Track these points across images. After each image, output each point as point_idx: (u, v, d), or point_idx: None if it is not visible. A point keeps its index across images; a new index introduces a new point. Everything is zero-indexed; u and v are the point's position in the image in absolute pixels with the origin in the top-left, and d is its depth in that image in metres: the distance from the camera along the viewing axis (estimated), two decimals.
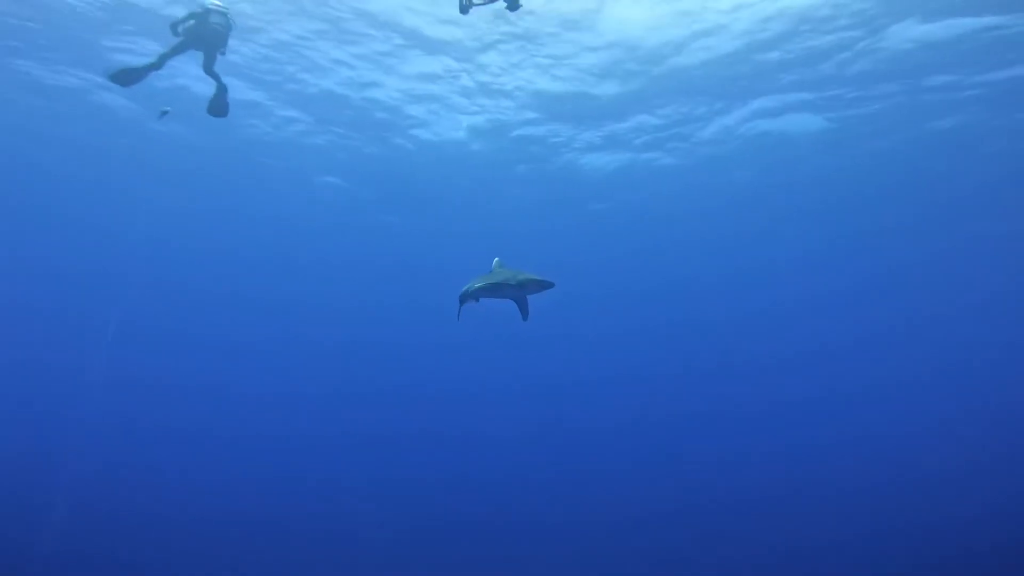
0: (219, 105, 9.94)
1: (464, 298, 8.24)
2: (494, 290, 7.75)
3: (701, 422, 30.09)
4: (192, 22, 9.20)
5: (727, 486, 23.49)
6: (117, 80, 9.98)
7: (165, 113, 17.75)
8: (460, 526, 20.85)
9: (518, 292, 7.63)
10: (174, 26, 9.28)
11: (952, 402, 27.92)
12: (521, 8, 8.65)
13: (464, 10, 8.50)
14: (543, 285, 7.35)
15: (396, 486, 24.31)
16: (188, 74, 16.24)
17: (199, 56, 9.64)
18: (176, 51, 9.44)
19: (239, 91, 16.88)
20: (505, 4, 8.48)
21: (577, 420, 30.47)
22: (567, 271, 8.80)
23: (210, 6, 9.17)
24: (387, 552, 18.81)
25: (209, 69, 9.66)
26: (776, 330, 33.41)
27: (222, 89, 9.91)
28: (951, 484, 20.48)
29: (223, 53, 9.67)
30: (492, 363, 33.65)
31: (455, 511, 22.26)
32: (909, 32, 14.56)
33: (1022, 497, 17.98)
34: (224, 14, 9.30)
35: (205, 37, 9.33)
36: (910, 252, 28.67)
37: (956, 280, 29.96)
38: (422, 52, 15.61)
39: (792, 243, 29.01)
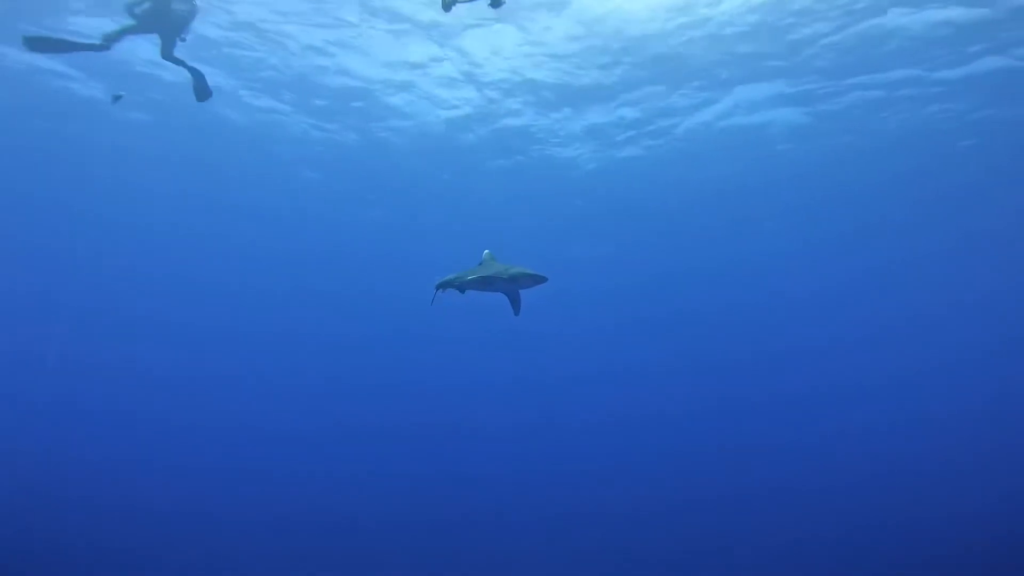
0: (201, 89, 9.53)
1: (446, 286, 8.12)
2: (485, 283, 7.58)
3: (690, 419, 30.36)
4: (149, 4, 8.52)
5: (720, 483, 23.61)
6: (31, 45, 9.39)
7: (118, 98, 16.95)
8: (455, 522, 20.69)
9: (510, 286, 7.49)
10: (130, 6, 8.60)
11: (940, 399, 28.45)
12: (504, 5, 8.54)
13: (447, 7, 8.39)
14: (536, 280, 7.18)
15: (390, 481, 24.24)
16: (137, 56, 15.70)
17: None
18: (127, 32, 8.81)
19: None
20: (488, 1, 8.36)
21: (566, 416, 30.57)
22: (549, 265, 8.64)
23: None
24: (382, 548, 18.67)
25: (168, 55, 9.05)
26: (766, 327, 33.73)
27: (196, 73, 9.43)
28: (942, 481, 20.80)
29: (183, 39, 9.07)
30: (481, 358, 33.71)
31: (451, 506, 22.11)
32: (893, 22, 14.55)
33: (1014, 496, 18.26)
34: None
35: (164, 22, 8.71)
36: (897, 249, 29.03)
37: (942, 278, 30.45)
38: (402, 36, 15.20)
39: (776, 239, 29.19)
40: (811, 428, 27.63)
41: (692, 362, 33.79)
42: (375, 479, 24.54)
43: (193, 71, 9.40)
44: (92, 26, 14.10)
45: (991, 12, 14.08)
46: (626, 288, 33.46)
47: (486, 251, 8.02)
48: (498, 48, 15.69)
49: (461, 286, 7.96)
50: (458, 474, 25.46)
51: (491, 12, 9.12)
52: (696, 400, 31.37)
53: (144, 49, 15.40)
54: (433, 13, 14.09)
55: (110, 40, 8.84)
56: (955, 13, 14.17)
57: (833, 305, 32.96)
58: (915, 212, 25.94)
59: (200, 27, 14.30)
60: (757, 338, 33.41)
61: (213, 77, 16.50)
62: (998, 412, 26.43)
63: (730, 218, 27.19)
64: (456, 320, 28.39)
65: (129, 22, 8.68)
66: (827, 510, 20.19)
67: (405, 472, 25.17)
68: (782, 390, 31.13)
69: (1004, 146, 20.32)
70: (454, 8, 8.42)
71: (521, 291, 7.67)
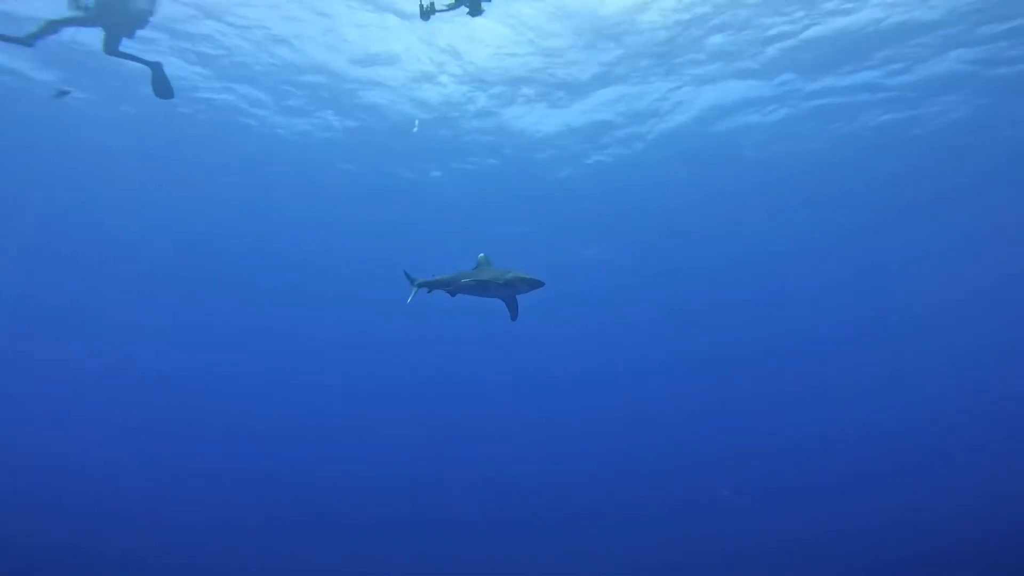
0: (161, 86, 8.81)
1: (433, 287, 7.93)
2: (480, 288, 7.32)
3: (668, 419, 30.58)
4: None
5: (715, 482, 23.58)
6: None
7: (64, 94, 16.00)
8: (455, 522, 20.43)
9: (506, 292, 7.25)
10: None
11: (926, 397, 28.94)
12: (484, 13, 8.36)
13: (425, 16, 8.19)
14: (533, 284, 6.98)
15: (387, 481, 24.05)
16: None
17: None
18: (65, 26, 7.98)
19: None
20: (467, 9, 8.25)
21: (548, 417, 30.59)
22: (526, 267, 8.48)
23: None
24: (380, 547, 18.40)
25: (112, 50, 8.23)
26: (748, 326, 34.02)
27: (155, 68, 8.70)
28: (932, 479, 21.06)
29: (131, 36, 8.28)
30: (467, 360, 33.64)
31: (450, 507, 21.88)
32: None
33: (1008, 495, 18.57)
34: None
35: (117, 17, 7.89)
36: (877, 251, 29.42)
37: (925, 277, 30.90)
38: (374, 29, 14.73)
39: (753, 240, 29.45)
40: (800, 426, 27.89)
41: (670, 362, 34.15)
42: (373, 479, 24.41)
43: (152, 66, 8.65)
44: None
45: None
46: (607, 290, 33.52)
47: (481, 254, 7.73)
48: (471, 46, 15.34)
49: (453, 290, 7.70)
50: (456, 474, 25.41)
51: (470, 19, 8.95)
52: (667, 399, 31.60)
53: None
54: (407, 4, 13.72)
55: (40, 35, 7.94)
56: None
57: (814, 305, 33.42)
58: (895, 214, 26.38)
59: (165, 21, 13.71)
60: (740, 337, 33.76)
61: (180, 69, 15.99)
62: (987, 409, 26.99)
63: (707, 219, 27.37)
64: (440, 319, 28.27)
65: (69, 14, 7.81)
66: (824, 508, 20.27)
67: (403, 472, 25.08)
68: (768, 389, 31.48)
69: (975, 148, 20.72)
70: (433, 17, 8.23)
71: (518, 296, 7.39)
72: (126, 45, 8.38)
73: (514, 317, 7.63)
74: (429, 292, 8.05)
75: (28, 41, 8.14)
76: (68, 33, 8.94)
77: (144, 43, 10.77)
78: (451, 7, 8.16)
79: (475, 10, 8.23)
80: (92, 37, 8.84)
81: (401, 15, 14.03)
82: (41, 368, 29.01)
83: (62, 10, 7.96)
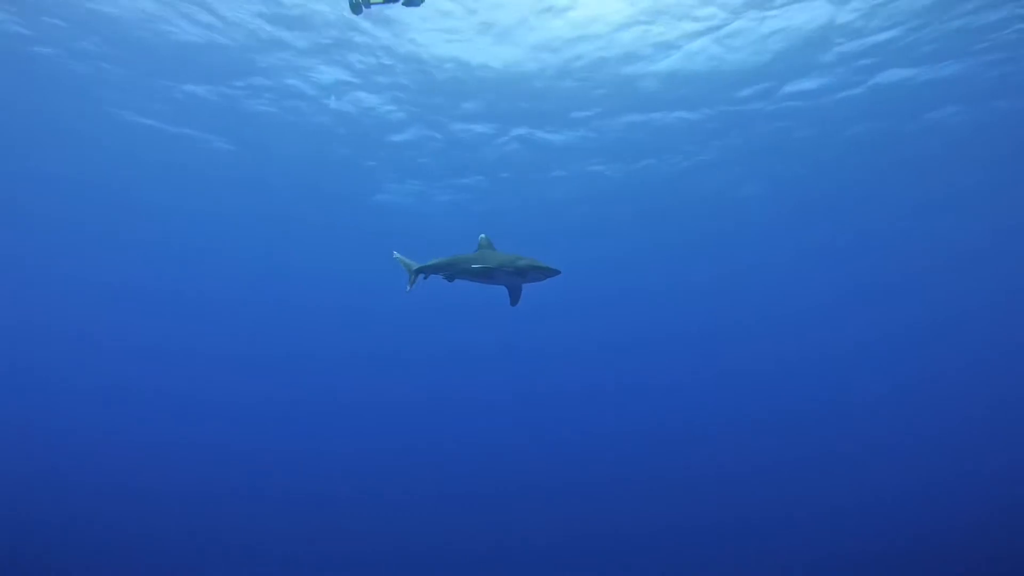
0: None
1: (430, 272, 7.51)
2: (485, 275, 6.85)
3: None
4: None
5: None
6: None
7: None
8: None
9: (515, 280, 6.79)
10: None
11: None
12: (422, 5, 8.07)
13: (356, 10, 7.62)
14: (547, 273, 6.48)
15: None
16: None
17: None
18: None
19: None
20: (402, 1, 7.80)
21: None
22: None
23: None
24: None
25: None
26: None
27: None
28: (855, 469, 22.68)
29: None
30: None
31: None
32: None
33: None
34: None
35: None
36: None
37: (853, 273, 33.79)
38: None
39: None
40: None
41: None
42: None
43: None
44: None
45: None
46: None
47: (482, 235, 7.29)
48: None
49: (450, 275, 7.25)
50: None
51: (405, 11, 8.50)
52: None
53: None
54: None
55: None
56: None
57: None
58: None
59: None
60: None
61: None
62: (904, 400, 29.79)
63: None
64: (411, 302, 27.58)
65: None
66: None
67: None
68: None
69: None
70: (365, 11, 7.67)
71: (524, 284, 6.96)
72: None
73: (514, 303, 7.22)
74: (426, 278, 7.60)
75: None
76: None
77: None
78: (386, 1, 7.63)
79: (412, 1, 7.80)
80: None
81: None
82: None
83: None
